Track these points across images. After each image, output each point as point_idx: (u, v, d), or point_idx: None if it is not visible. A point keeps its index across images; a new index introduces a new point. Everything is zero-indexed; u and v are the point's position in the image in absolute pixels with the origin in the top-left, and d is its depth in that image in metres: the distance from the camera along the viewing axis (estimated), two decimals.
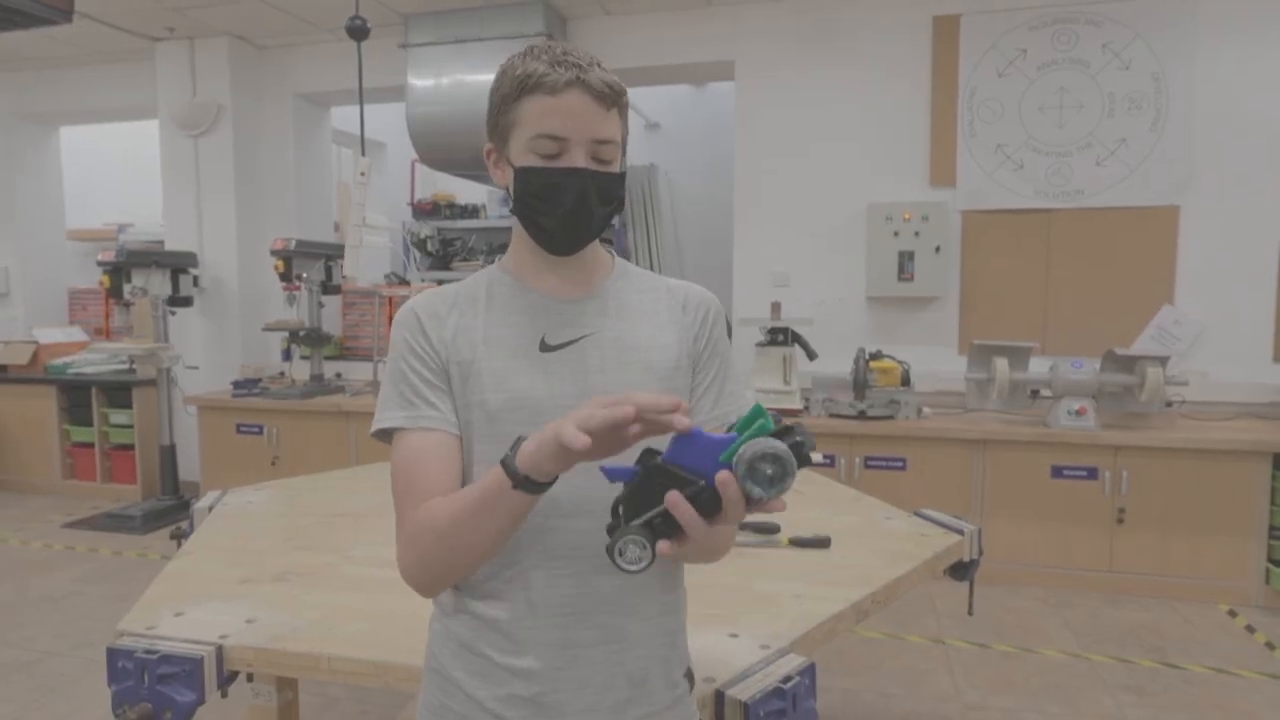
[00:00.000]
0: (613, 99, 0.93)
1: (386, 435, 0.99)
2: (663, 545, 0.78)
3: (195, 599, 1.56)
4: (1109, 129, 4.01)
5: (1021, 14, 4.07)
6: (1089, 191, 4.05)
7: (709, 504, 0.75)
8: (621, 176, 0.99)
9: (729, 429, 0.76)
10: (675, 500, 0.76)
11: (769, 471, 0.72)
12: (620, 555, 0.78)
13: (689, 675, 1.07)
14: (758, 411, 0.74)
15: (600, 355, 0.98)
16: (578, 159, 0.93)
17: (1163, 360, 3.59)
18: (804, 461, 0.73)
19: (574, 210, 0.94)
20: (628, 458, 0.81)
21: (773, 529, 1.94)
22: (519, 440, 0.83)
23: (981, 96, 4.15)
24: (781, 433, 0.74)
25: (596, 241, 1.03)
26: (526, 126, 0.93)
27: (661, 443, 0.80)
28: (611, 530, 0.81)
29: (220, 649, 1.34)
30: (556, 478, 0.83)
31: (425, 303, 1.01)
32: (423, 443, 0.95)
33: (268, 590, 1.62)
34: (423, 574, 0.93)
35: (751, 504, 0.76)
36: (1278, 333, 3.90)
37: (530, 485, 0.82)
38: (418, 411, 0.96)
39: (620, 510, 0.82)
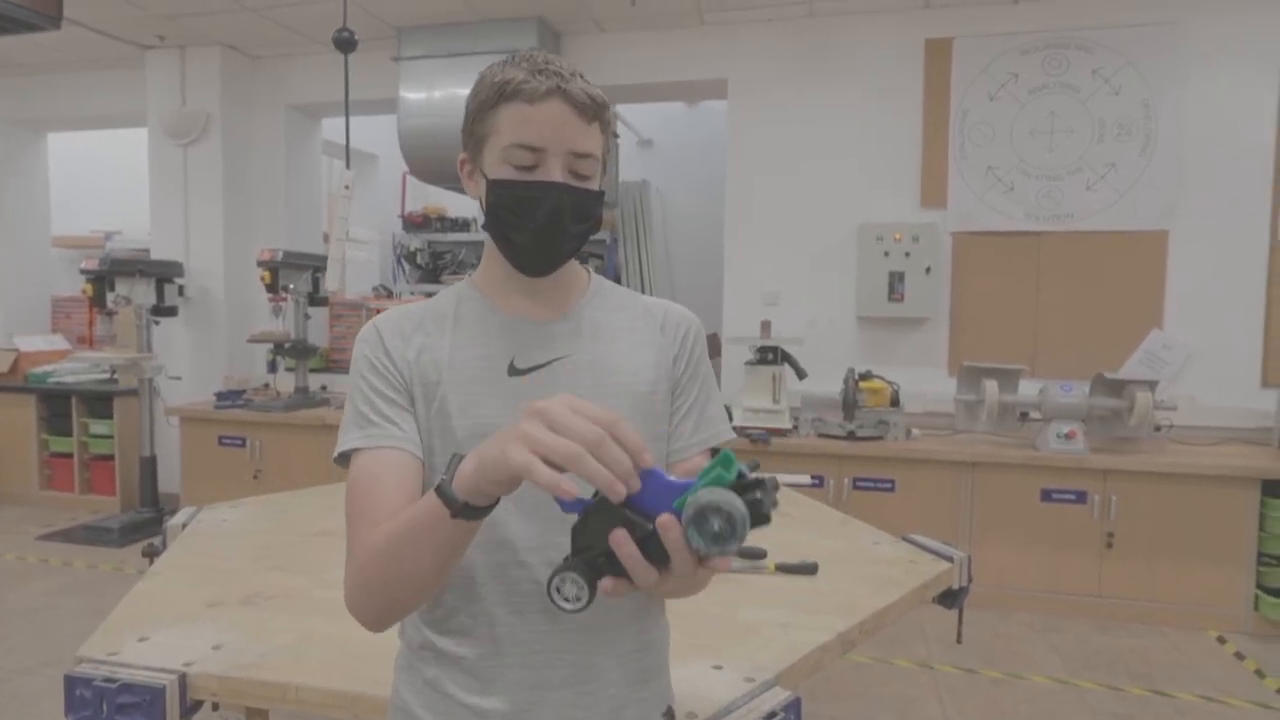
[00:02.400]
0: (594, 111, 0.89)
1: (346, 459, 0.92)
2: (606, 583, 0.71)
3: (161, 623, 1.51)
4: (1099, 153, 4.02)
5: (1013, 38, 4.09)
6: (1079, 215, 4.06)
7: (657, 550, 0.69)
8: (599, 195, 0.94)
9: (701, 473, 0.70)
10: (619, 540, 0.69)
11: (715, 527, 0.65)
12: (557, 593, 0.72)
13: (669, 715, 1.02)
14: (725, 459, 0.68)
15: (573, 379, 0.93)
16: (554, 172, 0.88)
17: (1151, 384, 3.59)
18: (760, 521, 0.66)
19: (547, 227, 0.89)
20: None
21: (759, 554, 1.91)
22: (455, 459, 0.75)
23: (973, 119, 4.16)
24: (744, 487, 0.67)
25: (572, 260, 0.98)
26: (502, 135, 0.88)
27: None
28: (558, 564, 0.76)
29: (184, 677, 1.29)
30: (498, 500, 0.75)
31: (389, 320, 0.96)
32: (379, 463, 0.88)
33: (236, 614, 1.57)
34: (365, 604, 0.85)
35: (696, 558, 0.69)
36: (1265, 358, 3.90)
37: (470, 512, 0.73)
38: (377, 430, 0.90)
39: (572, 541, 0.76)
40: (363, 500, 0.87)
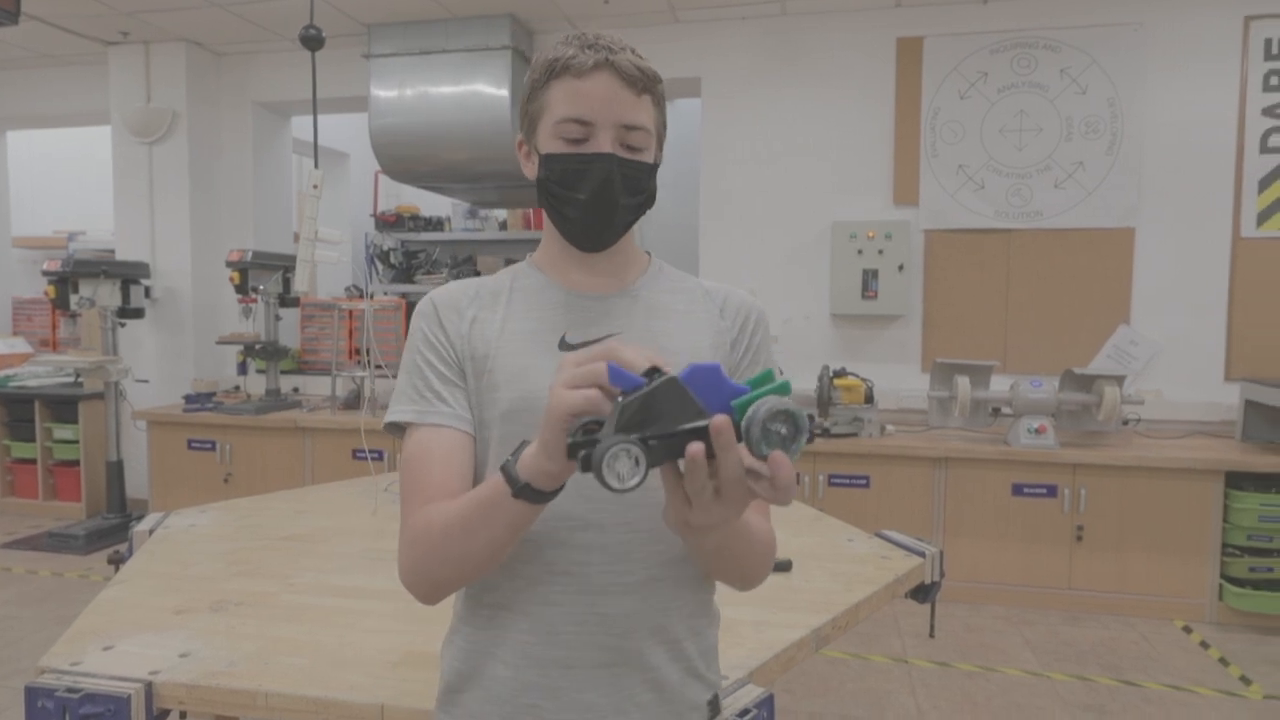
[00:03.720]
0: (644, 84, 0.89)
1: (399, 429, 0.93)
2: (693, 447, 0.64)
3: (126, 631, 1.48)
4: (1067, 152, 4.08)
5: (983, 37, 4.13)
6: (1047, 213, 4.11)
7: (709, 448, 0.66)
8: (653, 168, 0.93)
9: (753, 381, 0.69)
10: (697, 451, 0.65)
11: (783, 431, 0.64)
12: (607, 467, 0.64)
13: (714, 704, 0.99)
14: (769, 375, 0.68)
15: (667, 370, 0.93)
16: (604, 144, 0.88)
17: (1119, 379, 3.64)
18: (810, 437, 0.66)
19: (598, 198, 0.89)
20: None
21: (785, 566, 1.89)
22: (522, 445, 0.76)
23: (944, 118, 4.19)
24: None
25: (631, 238, 0.98)
26: (553, 111, 0.89)
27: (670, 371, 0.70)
28: (581, 439, 0.68)
29: (150, 686, 1.27)
30: (563, 486, 0.74)
31: (445, 294, 0.96)
32: (432, 440, 0.89)
33: (204, 621, 1.54)
34: (417, 580, 0.87)
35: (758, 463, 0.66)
36: (1229, 353, 3.98)
37: (531, 493, 0.74)
38: (429, 406, 0.91)
39: (598, 429, 0.69)
40: (416, 477, 0.88)
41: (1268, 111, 3.88)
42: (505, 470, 0.75)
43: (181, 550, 1.98)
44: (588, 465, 0.65)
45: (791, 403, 0.65)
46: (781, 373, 0.68)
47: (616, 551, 0.88)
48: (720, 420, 0.64)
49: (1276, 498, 3.44)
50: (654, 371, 0.67)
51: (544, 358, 0.91)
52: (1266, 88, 3.87)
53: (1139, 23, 3.97)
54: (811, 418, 0.69)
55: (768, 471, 0.65)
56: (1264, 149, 3.89)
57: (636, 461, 0.64)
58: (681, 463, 0.67)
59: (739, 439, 0.65)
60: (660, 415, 0.66)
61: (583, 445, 0.67)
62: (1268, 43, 3.85)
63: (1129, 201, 4.03)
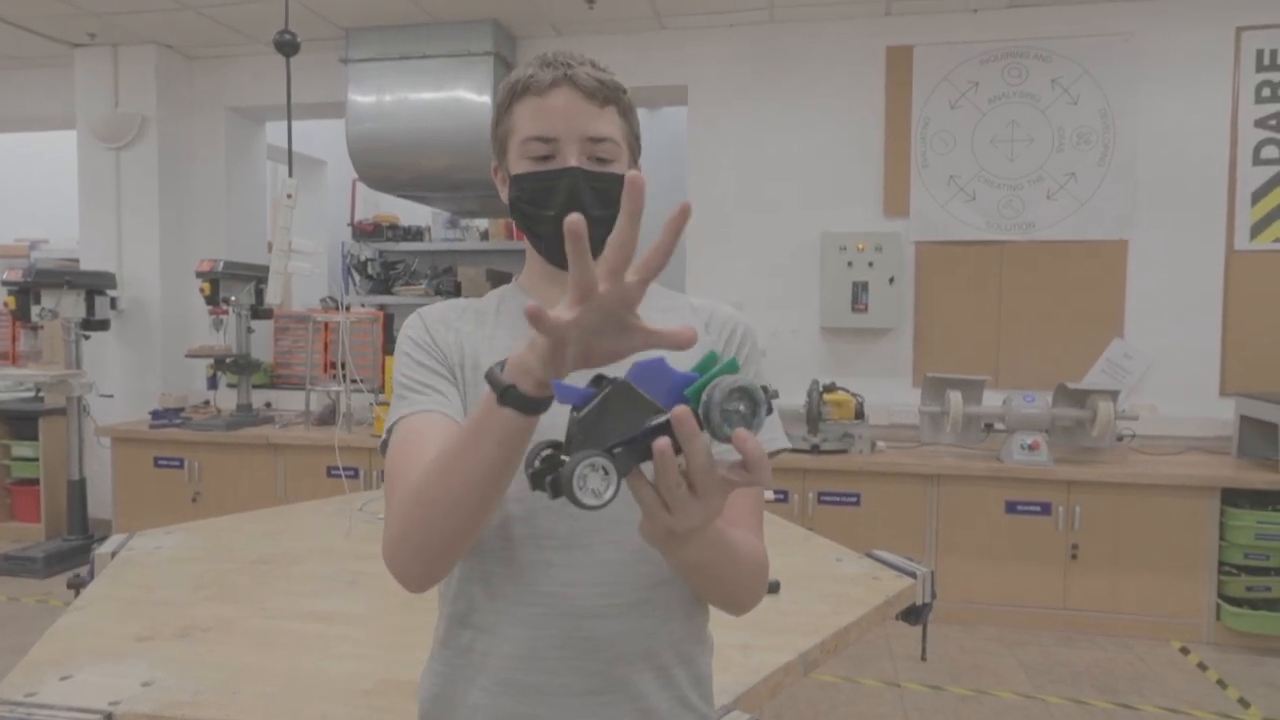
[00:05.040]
0: (605, 95, 0.89)
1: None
2: (660, 442, 0.62)
3: (86, 659, 1.43)
4: (1058, 162, 4.04)
5: (973, 47, 4.10)
6: (1039, 225, 4.07)
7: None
8: (622, 178, 0.87)
9: (698, 366, 0.67)
10: (663, 446, 0.63)
11: (741, 409, 0.63)
12: (579, 487, 0.62)
13: None
14: (713, 357, 0.66)
15: (612, 375, 0.86)
16: (570, 158, 0.88)
17: (1113, 394, 3.59)
18: (769, 409, 0.65)
19: (565, 212, 0.83)
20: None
21: (773, 587, 1.83)
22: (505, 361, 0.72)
23: (934, 128, 4.15)
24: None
25: None
26: (518, 131, 0.90)
27: (615, 375, 0.67)
28: (543, 466, 0.67)
29: (109, 717, 1.22)
30: (549, 400, 0.68)
31: (434, 311, 0.97)
32: (421, 422, 0.86)
33: (168, 648, 1.49)
34: (403, 548, 0.79)
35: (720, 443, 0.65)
36: (1224, 367, 3.95)
37: (518, 398, 0.68)
38: (419, 397, 0.88)
39: (555, 454, 0.68)
40: (401, 461, 0.84)
41: (1260, 123, 3.87)
42: (490, 376, 0.70)
43: (146, 573, 1.92)
44: (558, 490, 0.63)
45: (744, 378, 0.64)
46: (767, 391, 0.65)
47: (602, 572, 0.87)
48: (680, 410, 0.62)
49: (1273, 515, 3.40)
50: (599, 379, 0.66)
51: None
52: (1259, 99, 3.86)
53: (1130, 33, 3.95)
54: (765, 388, 0.65)
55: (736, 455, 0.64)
56: (1257, 160, 3.88)
57: (605, 473, 0.63)
58: (649, 468, 0.65)
59: (700, 427, 0.63)
60: (617, 421, 0.64)
61: (546, 472, 0.67)
62: (1259, 54, 3.85)
63: (1122, 213, 4.00)
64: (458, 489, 0.73)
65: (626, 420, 0.64)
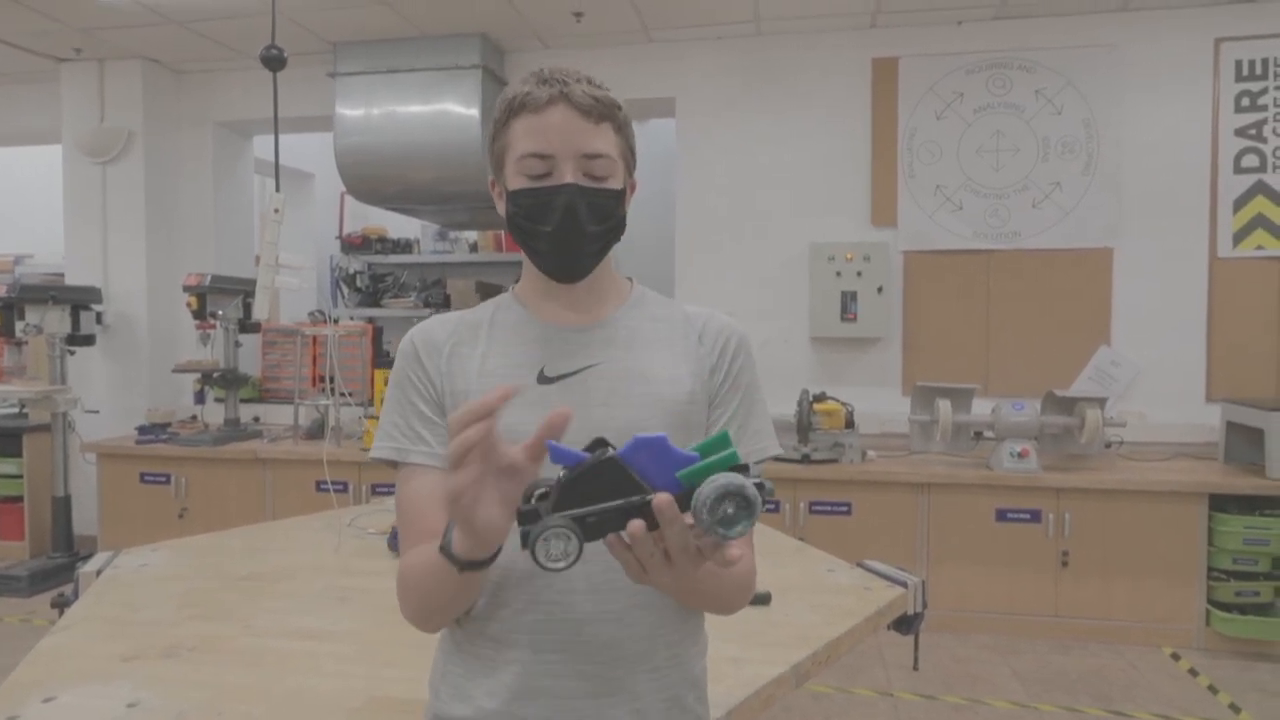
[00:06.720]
0: (601, 112, 0.91)
1: (384, 460, 0.98)
2: (633, 525, 0.67)
3: (69, 681, 1.40)
4: (1043, 172, 4.08)
5: (958, 58, 4.13)
6: (1025, 234, 4.10)
7: (651, 521, 0.68)
8: (619, 194, 0.94)
9: (701, 447, 0.69)
10: (637, 530, 0.68)
11: (730, 510, 0.65)
12: (540, 549, 0.67)
13: None
14: (724, 439, 0.67)
15: (606, 388, 0.93)
16: (566, 175, 0.90)
17: (1101, 401, 3.61)
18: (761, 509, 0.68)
19: (563, 228, 0.91)
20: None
21: (764, 599, 1.83)
22: (451, 524, 0.79)
23: (921, 138, 4.18)
24: (740, 470, 0.67)
25: (609, 266, 1.00)
26: (515, 148, 0.92)
27: (616, 441, 0.72)
28: (527, 519, 0.71)
29: None
30: (499, 551, 0.78)
31: (424, 332, 0.99)
32: (420, 484, 0.93)
33: (154, 668, 1.46)
34: (411, 617, 0.91)
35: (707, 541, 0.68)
36: (1209, 374, 3.97)
37: (473, 564, 0.78)
38: (410, 445, 0.95)
39: (548, 497, 0.71)
40: (407, 519, 0.94)
41: (1240, 132, 3.91)
42: (444, 551, 0.78)
43: (131, 592, 1.89)
44: (525, 542, 0.68)
45: (740, 479, 0.65)
46: (764, 489, 0.67)
47: (599, 580, 0.90)
48: (661, 500, 0.65)
49: (1260, 520, 3.42)
50: (599, 443, 0.70)
51: (523, 392, 0.92)
52: (1238, 109, 3.91)
53: (1113, 44, 3.99)
54: (761, 485, 0.66)
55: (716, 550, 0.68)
56: (1237, 169, 3.92)
57: (568, 539, 0.66)
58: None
59: (687, 508, 0.66)
60: (600, 491, 0.67)
61: (527, 517, 0.70)
62: (1238, 64, 3.90)
63: (1106, 221, 4.03)
64: (430, 601, 0.86)
65: (608, 492, 0.67)
